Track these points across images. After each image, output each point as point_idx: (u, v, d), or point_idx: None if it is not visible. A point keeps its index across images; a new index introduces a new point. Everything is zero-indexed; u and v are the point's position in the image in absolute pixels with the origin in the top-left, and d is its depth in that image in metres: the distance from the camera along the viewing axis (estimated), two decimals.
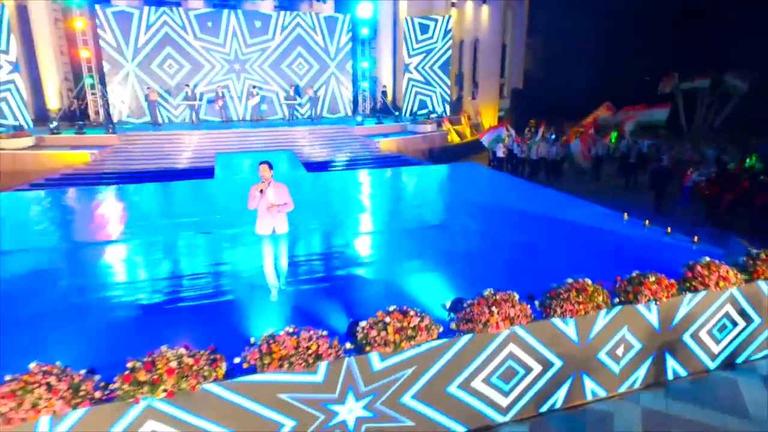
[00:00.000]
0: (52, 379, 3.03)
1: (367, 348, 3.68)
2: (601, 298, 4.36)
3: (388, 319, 3.73)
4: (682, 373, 4.93)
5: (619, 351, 4.54)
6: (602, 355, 4.45)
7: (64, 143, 14.57)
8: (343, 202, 9.87)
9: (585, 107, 25.39)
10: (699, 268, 5.18)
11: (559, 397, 4.36)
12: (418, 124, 18.87)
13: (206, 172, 13.36)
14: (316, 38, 19.83)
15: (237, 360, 3.53)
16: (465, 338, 3.91)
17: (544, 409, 4.32)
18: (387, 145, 16.85)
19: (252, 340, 3.61)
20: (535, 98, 27.64)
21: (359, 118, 18.59)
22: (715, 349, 5.14)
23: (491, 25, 22.08)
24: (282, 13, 19.34)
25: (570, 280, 4.36)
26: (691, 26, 25.60)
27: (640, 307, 4.53)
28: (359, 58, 20.57)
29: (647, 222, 8.60)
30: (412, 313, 3.80)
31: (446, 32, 21.25)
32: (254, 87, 19.02)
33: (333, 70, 20.40)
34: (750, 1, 22.70)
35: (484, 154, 22.09)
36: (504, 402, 4.16)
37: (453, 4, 22.81)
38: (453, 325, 4.01)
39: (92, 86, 17.26)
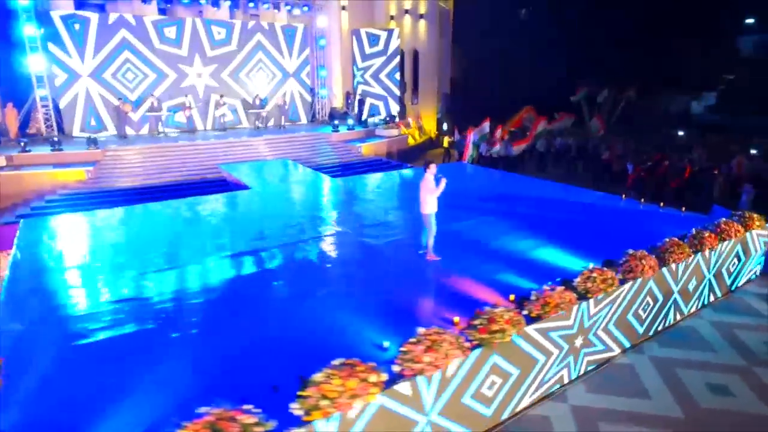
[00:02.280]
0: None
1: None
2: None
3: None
4: None
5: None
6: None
7: (41, 161, 13.42)
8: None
9: (507, 110, 29.15)
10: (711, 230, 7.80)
11: None
12: (384, 129, 20.45)
13: (221, 184, 13.47)
14: (275, 47, 20.29)
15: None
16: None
17: None
18: (368, 149, 18.15)
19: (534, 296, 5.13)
20: (461, 102, 30.82)
21: (336, 122, 19.55)
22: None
23: (428, 38, 24.40)
24: (242, 22, 19.49)
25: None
26: (593, 43, 30.75)
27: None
28: (316, 67, 21.45)
29: (624, 195, 11.43)
30: None
31: (393, 43, 23.11)
32: (221, 96, 18.93)
33: (293, 78, 21.02)
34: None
35: (436, 151, 24.40)
36: None
37: (392, 17, 24.72)
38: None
39: (43, 99, 15.84)
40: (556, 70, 29.79)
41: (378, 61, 22.99)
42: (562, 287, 5.72)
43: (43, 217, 10.43)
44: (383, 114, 23.20)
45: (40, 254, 7.77)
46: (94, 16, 16.58)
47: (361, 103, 22.54)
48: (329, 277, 7.06)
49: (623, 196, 11.44)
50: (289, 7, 20.11)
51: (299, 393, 3.90)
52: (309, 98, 21.64)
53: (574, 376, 6.00)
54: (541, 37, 28.35)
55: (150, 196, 12.02)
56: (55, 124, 16.22)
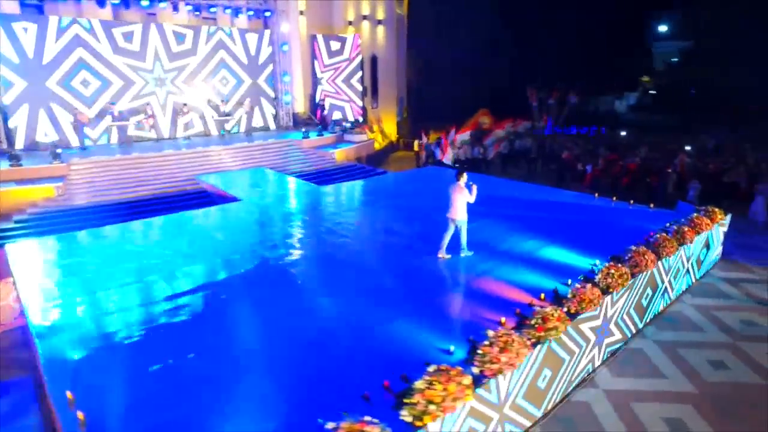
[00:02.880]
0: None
1: None
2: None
3: None
4: None
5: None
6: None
7: (1, 178, 12.35)
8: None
9: (463, 113, 30.28)
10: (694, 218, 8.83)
11: None
12: (352, 134, 20.65)
13: (204, 197, 13.09)
14: (237, 53, 19.87)
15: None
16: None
17: None
18: (341, 155, 18.27)
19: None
20: (418, 106, 31.63)
21: (305, 129, 19.46)
22: None
23: (387, 43, 24.85)
24: (203, 27, 18.92)
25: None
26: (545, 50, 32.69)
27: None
28: (279, 72, 21.23)
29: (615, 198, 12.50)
30: None
31: (354, 49, 23.36)
32: (184, 104, 18.27)
33: (256, 84, 20.68)
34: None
35: (397, 154, 24.93)
36: None
37: (350, 23, 24.93)
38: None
39: None
40: (507, 74, 31.45)
41: (340, 67, 23.15)
42: (590, 284, 6.36)
43: (21, 238, 9.78)
44: (350, 118, 23.42)
45: (55, 279, 7.37)
46: (43, 20, 15.48)
47: (324, 108, 22.60)
48: (364, 287, 7.20)
49: (596, 195, 12.51)
50: (251, 12, 19.78)
51: (406, 401, 4.17)
52: (273, 104, 21.38)
53: (598, 364, 6.67)
54: (492, 42, 29.81)
55: (134, 212, 11.51)
56: (4, 137, 14.98)
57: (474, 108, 30.18)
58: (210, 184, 13.50)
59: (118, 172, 13.76)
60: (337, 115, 23.02)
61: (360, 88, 24.07)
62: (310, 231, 9.59)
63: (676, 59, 53.00)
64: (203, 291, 6.97)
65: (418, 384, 4.26)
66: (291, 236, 9.27)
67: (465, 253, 8.17)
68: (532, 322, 5.42)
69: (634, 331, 7.46)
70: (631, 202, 11.66)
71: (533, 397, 5.47)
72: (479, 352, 4.85)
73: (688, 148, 19.69)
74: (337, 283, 7.24)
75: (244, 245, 8.73)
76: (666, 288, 8.25)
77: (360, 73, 23.92)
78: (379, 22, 24.32)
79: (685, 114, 27.84)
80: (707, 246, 9.54)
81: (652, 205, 11.42)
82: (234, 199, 11.91)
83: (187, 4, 17.94)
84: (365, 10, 24.43)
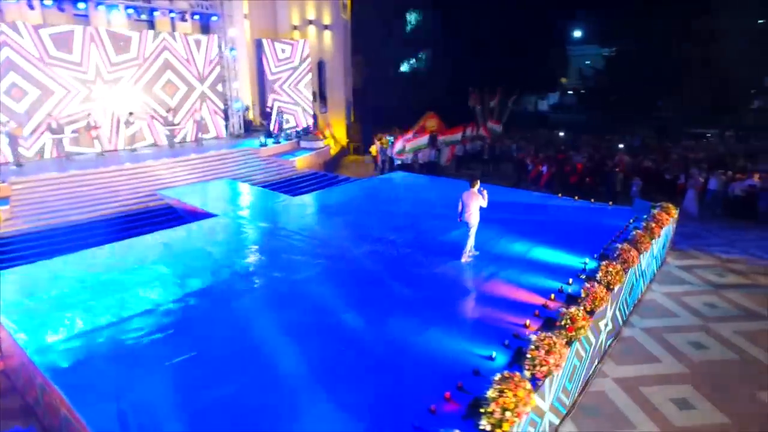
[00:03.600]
0: None
1: None
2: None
3: None
4: None
5: None
6: None
7: None
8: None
9: (408, 117, 30.88)
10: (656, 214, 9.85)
11: None
12: (309, 141, 20.41)
13: (171, 214, 12.36)
14: (184, 59, 18.91)
15: None
16: None
17: None
18: (302, 163, 18.00)
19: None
20: (365, 110, 31.76)
21: (262, 139, 18.91)
22: None
23: (334, 48, 24.78)
24: (146, 32, 17.79)
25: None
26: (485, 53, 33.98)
27: None
28: (228, 78, 20.48)
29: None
30: None
31: (303, 54, 23.09)
32: (130, 114, 17.08)
33: (204, 91, 19.80)
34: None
35: (349, 159, 24.96)
36: None
37: (295, 27, 24.59)
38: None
39: None
40: (448, 77, 32.51)
41: (289, 72, 22.78)
42: (596, 283, 6.94)
43: None
44: (303, 124, 23.10)
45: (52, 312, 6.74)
46: None
47: (270, 114, 22.13)
48: (381, 299, 7.25)
49: (560, 195, 13.46)
50: (197, 17, 18.91)
51: (482, 410, 4.39)
52: (223, 112, 20.59)
53: (602, 355, 7.30)
54: (431, 46, 30.72)
55: (100, 233, 10.67)
56: None
57: (419, 111, 30.97)
58: (176, 199, 12.79)
59: (72, 190, 12.62)
60: (288, 122, 22.63)
61: (310, 93, 23.86)
62: (305, 245, 9.44)
63: (590, 62, 57.65)
64: (224, 315, 6.74)
65: (491, 393, 4.49)
66: (289, 252, 9.06)
67: (467, 256, 8.53)
68: (562, 323, 5.85)
69: (622, 322, 8.22)
70: (592, 200, 12.72)
71: (565, 391, 5.92)
72: (529, 356, 5.18)
73: (621, 146, 21.66)
74: (353, 296, 7.27)
75: (244, 265, 8.45)
76: (641, 279, 9.15)
77: (309, 78, 23.72)
78: (326, 26, 24.21)
79: (609, 114, 30.42)
80: (665, 238, 10.66)
81: (611, 203, 12.52)
82: (209, 215, 11.41)
83: (127, 7, 16.78)
84: (311, 14, 24.22)
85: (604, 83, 31.73)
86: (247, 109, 22.46)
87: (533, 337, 5.41)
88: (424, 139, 19.80)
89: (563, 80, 60.82)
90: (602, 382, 6.78)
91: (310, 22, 24.14)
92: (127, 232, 10.79)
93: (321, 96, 25.41)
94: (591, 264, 8.24)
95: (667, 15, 25.30)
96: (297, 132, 21.54)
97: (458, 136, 21.45)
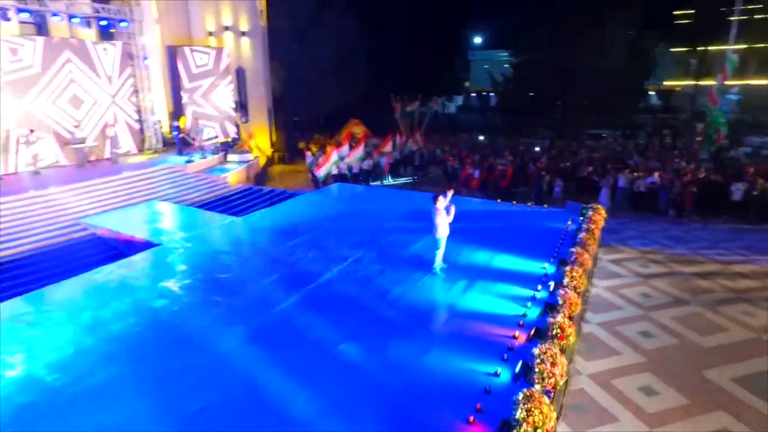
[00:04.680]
0: None
1: None
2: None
3: None
4: None
5: None
6: None
7: None
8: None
9: (331, 124, 30.72)
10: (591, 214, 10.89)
11: None
12: (236, 154, 19.48)
13: (101, 245, 11.08)
14: (90, 68, 17.05)
15: None
16: None
17: None
18: (234, 178, 17.11)
19: None
20: (287, 118, 30.93)
21: (195, 156, 17.64)
22: None
23: (253, 55, 23.86)
24: (44, 39, 15.76)
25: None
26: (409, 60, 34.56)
27: None
28: (141, 89, 18.86)
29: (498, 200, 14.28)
30: None
31: (223, 62, 21.98)
32: (31, 131, 15.02)
33: (115, 103, 18.03)
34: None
35: (278, 169, 24.25)
36: None
37: (211, 34, 23.30)
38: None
39: None
40: (367, 84, 32.79)
41: (208, 81, 21.56)
42: (567, 289, 7.52)
43: None
44: (225, 136, 21.99)
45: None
46: None
47: (178, 128, 20.86)
48: (369, 323, 7.16)
49: (498, 200, 14.28)
50: (105, 22, 17.16)
51: (515, 431, 4.60)
52: (137, 125, 18.91)
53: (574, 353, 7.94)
54: (350, 53, 30.71)
55: (20, 277, 9.30)
56: None
57: (341, 117, 30.91)
58: (106, 228, 11.55)
59: None
60: (210, 133, 21.42)
61: (231, 103, 22.80)
62: (271, 272, 9.04)
63: (488, 66, 61.56)
64: (214, 366, 6.26)
65: (520, 414, 4.72)
66: (257, 282, 8.59)
67: (437, 267, 8.76)
68: (554, 332, 6.29)
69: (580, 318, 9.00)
70: (529, 203, 13.68)
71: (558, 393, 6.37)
72: (537, 370, 5.50)
73: (537, 149, 23.49)
74: (343, 324, 7.13)
75: (214, 302, 7.88)
76: (589, 275, 10.07)
77: (231, 87, 22.65)
78: (243, 33, 23.24)
79: (518, 117, 32.78)
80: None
81: (545, 206, 13.56)
82: (150, 244, 10.48)
83: (20, 11, 14.76)
84: (227, 20, 23.11)
85: (511, 88, 34.05)
86: (163, 122, 20.86)
87: (535, 351, 5.76)
88: (359, 151, 19.84)
89: (467, 83, 64.64)
90: (580, 379, 7.39)
91: (227, 28, 23.04)
92: (55, 275, 9.49)
93: (242, 105, 24.37)
94: (551, 269, 8.91)
95: (560, 25, 27.83)
96: (223, 144, 20.47)
97: (389, 146, 21.80)
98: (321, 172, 19.06)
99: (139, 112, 18.84)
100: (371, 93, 33.19)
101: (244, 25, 23.23)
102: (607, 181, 16.67)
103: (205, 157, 18.11)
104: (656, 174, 16.48)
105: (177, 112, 21.24)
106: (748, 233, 14.14)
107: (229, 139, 21.54)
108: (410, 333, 6.95)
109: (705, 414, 6.62)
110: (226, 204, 14.91)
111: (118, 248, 11.03)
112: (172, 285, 8.53)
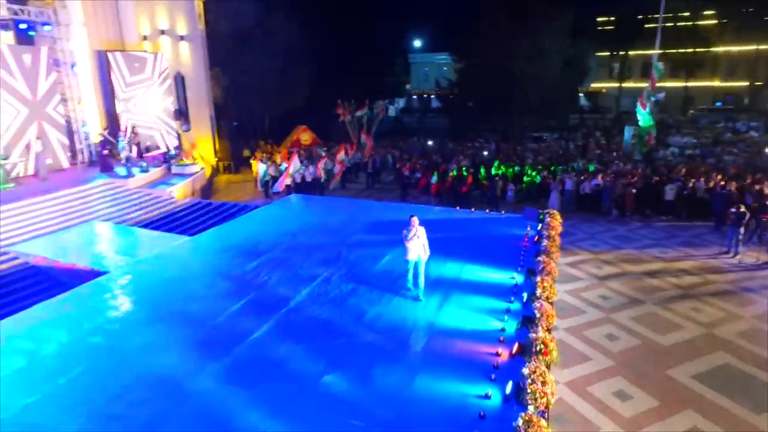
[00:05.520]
0: None
1: None
2: None
3: None
4: None
5: None
6: None
7: None
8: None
9: (277, 131, 29.92)
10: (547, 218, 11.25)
11: None
12: (181, 166, 18.39)
13: (35, 276, 9.94)
14: (12, 76, 15.39)
15: None
16: None
17: None
18: (181, 192, 16.09)
19: None
20: (231, 126, 29.70)
21: (134, 170, 16.37)
22: None
23: (193, 60, 22.67)
24: None
25: None
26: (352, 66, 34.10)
27: None
28: (70, 99, 17.35)
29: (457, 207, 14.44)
30: None
31: (161, 68, 20.71)
32: None
33: (42, 114, 16.41)
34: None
35: (223, 179, 23.25)
36: None
37: (145, 38, 21.88)
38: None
39: None
40: (313, 88, 32.23)
41: (144, 89, 20.23)
42: (542, 300, 7.66)
43: None
44: (167, 146, 20.72)
45: None
46: None
47: (108, 140, 19.53)
48: (351, 351, 6.86)
49: (457, 207, 14.43)
50: (24, 26, 15.57)
51: None
52: (66, 138, 17.35)
53: None
54: (293, 58, 30.04)
55: None
56: None
57: (288, 124, 30.17)
58: (41, 257, 10.43)
59: None
60: (149, 144, 20.12)
61: (171, 111, 21.54)
62: (238, 298, 8.48)
63: (428, 69, 62.81)
64: (186, 406, 5.75)
65: None
66: (224, 310, 8.01)
67: (414, 292, 8.47)
68: (538, 348, 6.35)
69: None
70: (488, 210, 13.92)
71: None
72: (529, 391, 5.52)
73: (485, 153, 24.06)
74: (322, 353, 6.81)
75: (178, 336, 7.31)
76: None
77: (170, 95, 21.40)
78: (182, 37, 22.04)
79: (463, 121, 33.51)
80: None
81: (503, 212, 13.87)
82: (95, 273, 9.58)
83: None
84: (162, 24, 21.80)
85: (457, 92, 34.77)
86: (94, 133, 19.30)
87: (525, 371, 5.78)
88: (296, 161, 19.37)
89: (408, 86, 65.55)
90: (558, 388, 7.52)
91: (163, 32, 21.74)
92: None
93: (182, 113, 23.11)
94: (520, 278, 9.06)
95: (498, 34, 28.81)
96: (164, 156, 19.29)
97: (342, 154, 21.52)
98: (284, 183, 18.49)
99: (69, 123, 17.31)
100: (317, 98, 32.71)
101: (181, 29, 22.03)
102: (556, 185, 17.36)
103: (146, 171, 16.95)
104: (600, 176, 17.38)
105: (111, 122, 19.77)
106: (683, 230, 15.25)
107: (173, 151, 20.31)
108: (393, 358, 6.78)
109: (675, 414, 6.99)
110: (175, 222, 14.03)
111: (57, 279, 10.00)
112: (128, 320, 7.84)
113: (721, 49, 47.00)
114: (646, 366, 8.13)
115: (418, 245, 8.07)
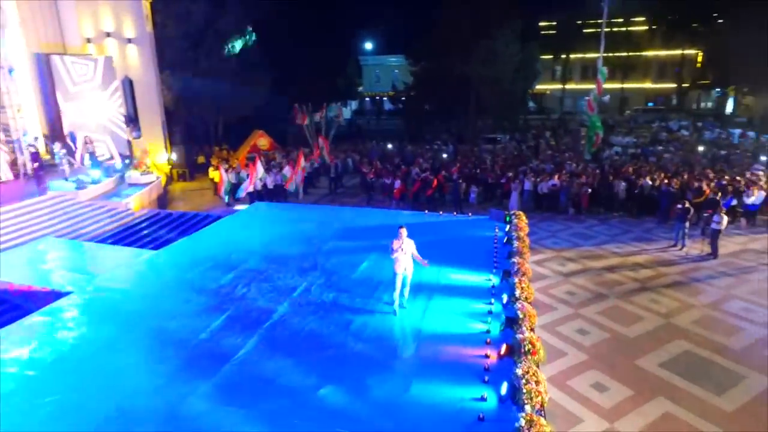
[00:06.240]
0: None
1: None
2: None
3: None
4: None
5: None
6: None
7: None
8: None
9: (233, 137, 29.13)
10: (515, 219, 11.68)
11: None
12: (135, 175, 17.50)
13: None
14: None
15: None
16: None
17: None
18: (138, 203, 15.30)
19: None
20: (182, 131, 28.54)
21: (86, 178, 15.35)
22: None
23: (143, 63, 21.63)
24: None
25: None
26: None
27: None
28: (8, 106, 16.08)
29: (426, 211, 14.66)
30: None
31: (109, 71, 19.63)
32: None
33: None
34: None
35: (178, 187, 22.37)
36: None
37: (89, 40, 20.67)
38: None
39: None
40: (267, 92, 31.59)
41: (90, 94, 19.11)
42: (521, 301, 7.96)
43: None
44: (114, 153, 19.65)
45: None
46: None
47: (80, 145, 18.41)
48: (343, 362, 6.85)
49: (426, 211, 14.63)
50: None
51: None
52: (6, 147, 16.08)
53: None
54: (247, 59, 29.32)
55: None
56: None
57: (243, 129, 29.42)
58: None
59: None
60: (100, 152, 19.01)
61: (121, 117, 20.47)
62: (217, 314, 8.19)
63: (378, 72, 63.27)
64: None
65: None
66: (204, 327, 7.70)
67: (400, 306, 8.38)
68: (526, 348, 6.61)
69: None
70: (455, 213, 14.24)
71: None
72: (524, 391, 5.74)
73: (445, 156, 24.54)
74: (314, 367, 6.73)
75: (162, 357, 6.99)
76: None
77: (118, 100, 20.31)
78: (129, 40, 20.99)
79: (420, 124, 34.00)
80: None
81: (470, 214, 14.23)
82: (57, 294, 8.98)
83: None
84: (108, 26, 20.67)
85: (413, 95, 35.18)
86: (37, 141, 18.03)
87: (519, 371, 6.01)
88: (260, 168, 19.02)
89: (360, 88, 65.72)
90: None
91: (108, 34, 20.62)
92: None
93: (132, 119, 22.00)
94: (496, 280, 9.35)
95: (454, 39, 29.50)
96: (119, 164, 18.30)
97: (305, 161, 21.26)
98: (249, 190, 18.02)
99: (8, 131, 16.06)
100: (272, 102, 32.11)
101: (129, 31, 20.98)
102: (516, 186, 18.01)
103: (98, 182, 16.02)
104: (557, 177, 18.20)
105: (54, 129, 18.55)
106: (635, 226, 16.27)
107: (127, 161, 19.31)
108: (386, 366, 6.83)
109: (648, 402, 7.48)
110: (135, 235, 13.35)
111: (10, 302, 9.28)
112: (101, 342, 7.41)
113: (651, 53, 50.44)
114: (617, 357, 8.64)
115: (406, 258, 8.05)
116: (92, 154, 17.85)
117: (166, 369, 6.69)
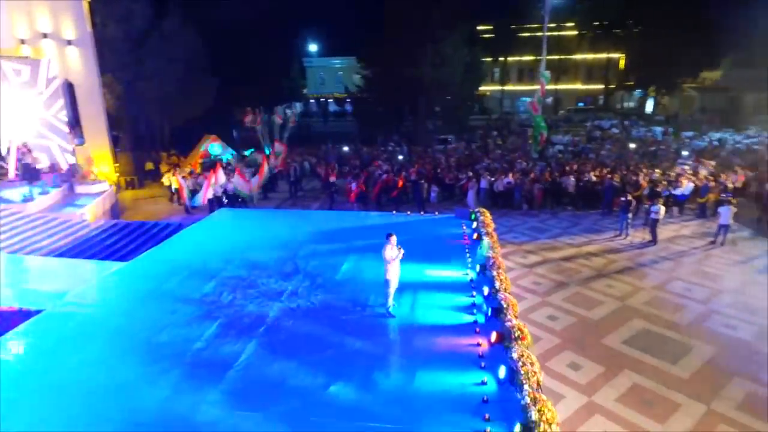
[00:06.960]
0: None
1: None
2: None
3: None
4: None
5: None
6: None
7: None
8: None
9: (182, 142, 28.12)
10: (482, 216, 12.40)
11: None
12: (86, 184, 16.59)
13: None
14: None
15: None
16: None
17: None
18: (94, 214, 14.52)
19: None
20: (128, 137, 27.12)
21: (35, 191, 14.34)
22: None
23: (84, 66, 20.42)
24: None
25: None
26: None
27: None
28: None
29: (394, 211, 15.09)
30: None
31: (49, 75, 18.41)
32: None
33: None
34: None
35: (128, 195, 21.36)
36: None
37: (23, 42, 19.26)
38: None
39: None
40: (214, 95, 30.74)
41: (27, 99, 17.86)
42: (504, 293, 8.55)
43: None
44: (64, 163, 18.47)
45: None
46: None
47: (22, 154, 17.18)
48: (350, 361, 7.08)
49: (394, 212, 15.05)
50: None
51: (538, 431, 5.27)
52: None
53: None
54: (192, 62, 28.38)
55: None
56: None
57: (191, 133, 28.41)
58: None
59: None
60: (42, 161, 17.81)
61: (64, 124, 19.24)
62: (207, 320, 8.11)
63: (324, 73, 63.19)
64: None
65: (535, 416, 5.41)
66: (196, 338, 7.61)
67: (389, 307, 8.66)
68: (516, 335, 7.18)
69: None
70: (422, 212, 14.77)
71: None
72: (522, 372, 6.28)
73: (400, 157, 25.08)
74: (317, 368, 6.90)
75: (161, 369, 6.87)
76: None
77: (59, 105, 19.08)
78: (69, 42, 19.77)
79: (370, 126, 34.38)
80: None
81: (437, 213, 14.81)
82: (27, 313, 8.52)
83: None
84: (44, 26, 19.37)
85: (364, 98, 35.45)
86: None
87: (514, 355, 6.56)
88: (221, 174, 18.65)
89: (305, 90, 65.21)
90: None
91: (45, 35, 19.33)
92: None
93: (74, 125, 20.73)
94: (473, 274, 9.92)
95: (403, 43, 30.15)
96: (60, 174, 17.24)
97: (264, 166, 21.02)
98: (208, 196, 17.56)
99: None
100: (219, 105, 31.29)
101: (68, 33, 19.77)
102: (473, 185, 18.86)
103: (46, 193, 15.08)
104: (511, 175, 19.25)
105: None
106: (583, 219, 17.58)
107: (71, 166, 18.22)
108: (387, 361, 7.16)
109: (617, 376, 8.31)
110: (95, 247, 12.76)
111: None
112: (92, 359, 7.18)
113: (580, 56, 53.95)
114: (586, 338, 9.48)
115: (395, 263, 8.38)
116: (27, 165, 16.66)
117: (168, 380, 6.64)
